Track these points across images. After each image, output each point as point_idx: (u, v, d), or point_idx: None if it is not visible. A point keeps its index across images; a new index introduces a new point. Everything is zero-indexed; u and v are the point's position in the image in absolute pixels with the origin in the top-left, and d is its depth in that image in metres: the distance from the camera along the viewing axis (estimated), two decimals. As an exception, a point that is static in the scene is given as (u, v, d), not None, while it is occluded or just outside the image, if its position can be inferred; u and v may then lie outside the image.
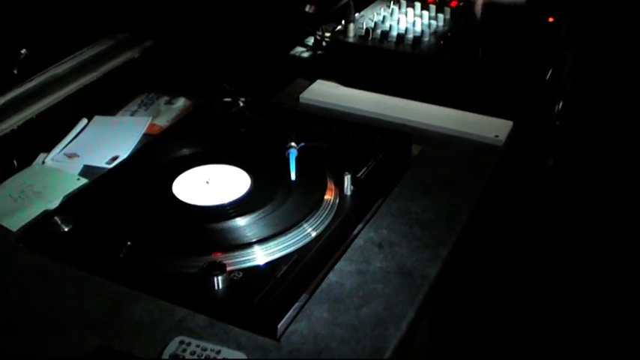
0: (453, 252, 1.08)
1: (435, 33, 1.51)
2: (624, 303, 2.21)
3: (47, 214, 1.12)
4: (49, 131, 1.31)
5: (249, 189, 1.12)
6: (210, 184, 1.14)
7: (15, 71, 1.36)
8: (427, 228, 1.10)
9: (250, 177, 1.15)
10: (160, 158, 1.22)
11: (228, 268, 0.96)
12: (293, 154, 1.13)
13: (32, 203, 1.15)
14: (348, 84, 1.50)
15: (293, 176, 1.13)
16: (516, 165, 1.77)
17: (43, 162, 1.27)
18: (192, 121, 1.37)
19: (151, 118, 1.39)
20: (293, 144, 1.15)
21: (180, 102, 1.44)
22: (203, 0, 1.51)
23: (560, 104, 2.31)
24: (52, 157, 1.27)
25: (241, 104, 1.30)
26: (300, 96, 1.47)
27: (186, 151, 1.24)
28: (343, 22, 1.49)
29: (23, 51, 1.37)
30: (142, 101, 1.46)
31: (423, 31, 1.51)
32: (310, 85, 1.51)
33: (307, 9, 1.28)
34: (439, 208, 1.15)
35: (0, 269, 1.03)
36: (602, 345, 2.05)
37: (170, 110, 1.42)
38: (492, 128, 1.35)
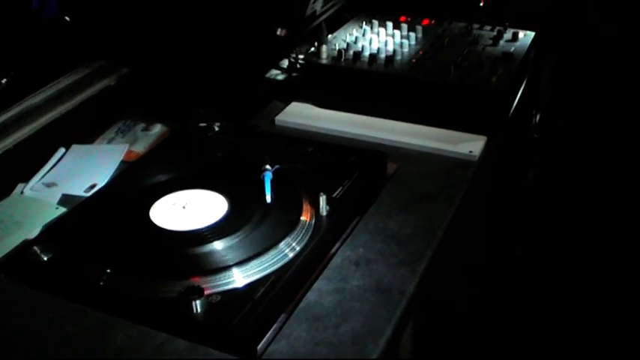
0: (430, 267, 1.09)
1: (407, 52, 1.54)
2: (608, 311, 2.23)
3: (26, 244, 1.12)
4: (27, 161, 1.32)
5: (225, 213, 1.14)
6: (187, 209, 1.15)
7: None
8: (404, 244, 1.12)
9: (227, 200, 1.16)
10: (138, 185, 1.23)
11: (207, 292, 0.97)
12: (268, 176, 1.15)
13: (12, 233, 1.16)
14: (323, 105, 1.51)
15: (269, 198, 1.14)
16: (497, 178, 1.80)
17: (22, 192, 1.27)
18: (169, 146, 1.38)
19: (128, 145, 1.40)
20: (268, 167, 1.16)
21: (157, 128, 1.46)
22: (178, 26, 1.53)
23: (538, 116, 2.35)
24: (31, 187, 1.28)
25: (217, 128, 1.32)
26: (276, 118, 1.48)
27: (163, 177, 1.25)
28: (316, 43, 1.52)
29: (4, 80, 1.38)
30: (119, 128, 1.47)
31: (395, 50, 1.53)
32: (285, 107, 1.52)
33: (279, 32, 1.30)
34: (415, 223, 1.16)
35: (-20, 300, 1.04)
36: (587, 352, 2.07)
37: (147, 137, 1.43)
38: (466, 144, 1.36)
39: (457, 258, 1.47)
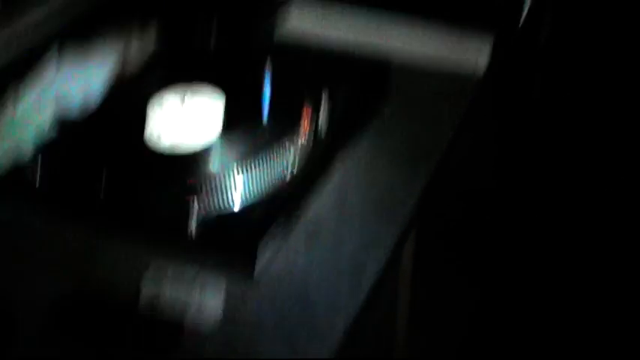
0: (432, 183, 1.07)
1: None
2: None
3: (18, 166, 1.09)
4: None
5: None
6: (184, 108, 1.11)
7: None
8: (407, 160, 1.09)
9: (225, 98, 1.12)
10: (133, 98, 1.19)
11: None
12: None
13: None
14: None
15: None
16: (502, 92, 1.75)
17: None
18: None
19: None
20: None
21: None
22: None
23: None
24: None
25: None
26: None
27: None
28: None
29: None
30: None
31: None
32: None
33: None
34: (420, 136, 1.14)
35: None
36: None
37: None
38: (472, 50, 1.31)
39: (462, 179, 1.45)
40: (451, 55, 1.31)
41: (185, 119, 1.11)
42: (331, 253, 0.93)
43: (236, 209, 0.95)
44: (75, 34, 1.35)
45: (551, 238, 2.22)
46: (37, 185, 1.04)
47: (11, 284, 0.92)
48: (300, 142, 1.06)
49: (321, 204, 1.01)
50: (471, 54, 1.30)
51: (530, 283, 2.09)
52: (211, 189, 0.97)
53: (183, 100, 1.13)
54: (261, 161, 1.01)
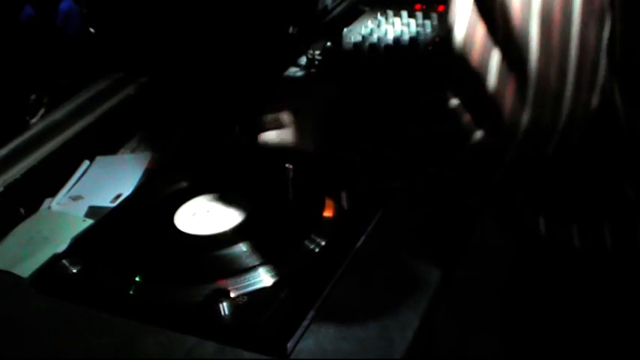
0: (456, 255, 1.09)
1: (423, 40, 1.53)
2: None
3: (56, 258, 1.14)
4: (52, 176, 1.33)
5: (248, 214, 1.14)
6: (210, 213, 1.16)
7: (28, 117, 1.39)
8: (428, 234, 1.11)
9: (249, 202, 1.17)
10: (161, 192, 1.24)
11: (234, 294, 0.98)
12: (289, 175, 1.15)
13: (41, 248, 1.18)
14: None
15: (290, 197, 1.15)
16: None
17: (49, 207, 1.29)
18: (190, 152, 1.39)
19: (151, 153, 1.41)
20: (289, 165, 1.16)
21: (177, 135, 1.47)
22: (193, 34, 1.53)
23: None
24: (58, 202, 1.30)
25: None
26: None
27: (185, 183, 1.26)
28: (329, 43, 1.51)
29: (33, 96, 1.40)
30: (142, 137, 1.48)
31: (411, 39, 1.52)
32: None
33: (291, 30, 1.30)
34: (439, 214, 1.16)
35: (14, 315, 1.06)
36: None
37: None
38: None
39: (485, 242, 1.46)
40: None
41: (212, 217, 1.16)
42: (359, 329, 0.95)
43: (264, 302, 0.98)
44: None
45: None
46: (75, 275, 1.08)
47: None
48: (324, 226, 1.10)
49: (349, 280, 1.04)
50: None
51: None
52: (240, 283, 1.01)
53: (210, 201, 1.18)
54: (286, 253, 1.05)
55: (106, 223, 1.21)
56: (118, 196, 1.29)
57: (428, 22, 1.59)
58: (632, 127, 0.87)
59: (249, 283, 1.01)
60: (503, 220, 1.05)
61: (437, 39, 1.53)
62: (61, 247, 1.18)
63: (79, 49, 1.52)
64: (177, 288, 1.02)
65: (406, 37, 1.55)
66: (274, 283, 1.01)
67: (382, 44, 1.52)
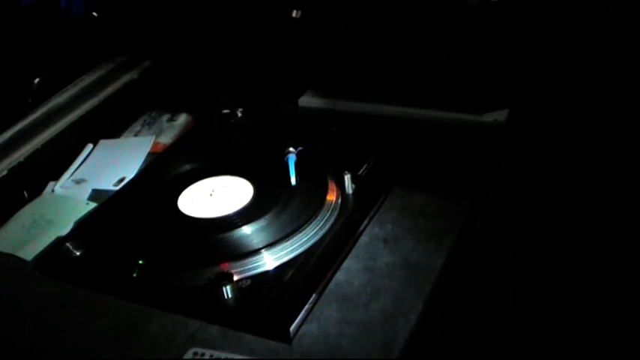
0: (459, 241, 1.09)
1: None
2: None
3: (59, 241, 1.14)
4: (56, 159, 1.34)
5: (252, 197, 1.14)
6: (214, 196, 1.16)
7: (30, 100, 1.39)
8: (432, 219, 1.11)
9: (253, 185, 1.16)
10: (165, 175, 1.24)
11: (237, 277, 0.98)
12: (292, 159, 1.15)
13: (45, 232, 1.18)
14: (346, 84, 1.51)
15: (293, 181, 1.15)
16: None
17: (53, 190, 1.29)
18: (195, 135, 1.39)
19: (154, 136, 1.41)
20: (291, 149, 1.16)
21: (182, 118, 1.46)
22: (195, 14, 1.53)
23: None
24: (61, 185, 1.30)
25: (240, 115, 1.32)
26: (299, 100, 1.48)
27: (189, 166, 1.26)
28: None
29: (36, 80, 1.40)
30: (145, 121, 1.48)
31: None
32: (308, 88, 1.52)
33: (294, 14, 1.29)
34: (442, 198, 1.16)
35: (18, 299, 1.06)
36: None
37: (172, 127, 1.44)
38: (490, 114, 1.35)
39: (491, 232, 1.46)
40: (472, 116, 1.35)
41: (216, 200, 1.16)
42: (362, 313, 0.96)
43: (267, 286, 0.98)
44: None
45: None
46: (79, 258, 1.09)
47: (56, 356, 0.95)
48: (326, 210, 1.10)
49: (352, 265, 1.04)
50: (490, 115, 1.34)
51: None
52: (243, 266, 1.01)
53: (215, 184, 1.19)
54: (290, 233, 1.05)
55: (109, 206, 1.21)
56: (122, 180, 1.29)
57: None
58: None
59: (252, 266, 1.01)
60: None
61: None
62: (65, 230, 1.18)
63: (83, 33, 1.51)
64: (180, 271, 1.02)
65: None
66: (277, 267, 1.01)
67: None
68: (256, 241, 1.04)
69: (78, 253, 1.09)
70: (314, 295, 0.98)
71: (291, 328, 0.93)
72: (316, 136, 1.28)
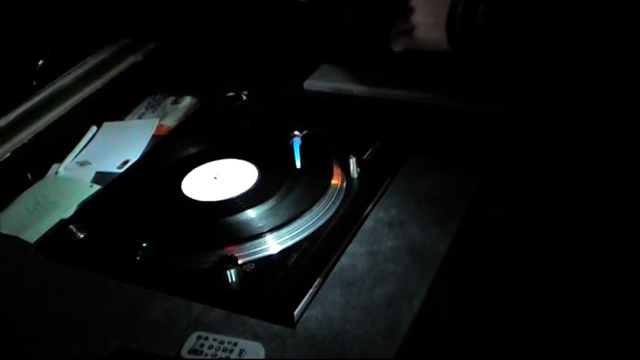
0: (463, 226, 1.08)
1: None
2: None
3: (63, 223, 1.14)
4: (59, 142, 1.33)
5: (256, 180, 1.14)
6: (218, 180, 1.15)
7: (34, 82, 1.38)
8: (436, 204, 1.11)
9: (257, 168, 1.16)
10: (169, 158, 1.24)
11: (241, 261, 0.98)
12: (297, 142, 1.15)
13: (48, 214, 1.18)
14: (351, 67, 1.50)
15: (299, 164, 1.14)
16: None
17: (57, 172, 1.29)
18: (199, 118, 1.39)
19: (158, 119, 1.41)
20: (296, 132, 1.16)
21: (186, 101, 1.46)
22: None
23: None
24: (65, 167, 1.30)
25: (244, 97, 1.32)
26: (305, 82, 1.47)
27: (193, 149, 1.25)
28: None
29: (40, 62, 1.39)
30: (149, 103, 1.48)
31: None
32: (314, 71, 1.51)
33: (303, -1, 1.29)
34: (446, 183, 1.15)
35: (21, 281, 1.06)
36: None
37: (177, 110, 1.43)
38: (494, 101, 1.34)
39: (496, 216, 1.45)
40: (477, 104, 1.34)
41: (220, 183, 1.15)
42: (367, 297, 0.95)
43: (271, 270, 0.97)
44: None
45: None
46: (82, 240, 1.08)
47: (59, 339, 0.95)
48: (331, 194, 1.09)
49: (356, 249, 1.03)
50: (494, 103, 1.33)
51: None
52: (247, 250, 1.00)
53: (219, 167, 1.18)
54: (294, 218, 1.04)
55: (113, 188, 1.20)
56: (126, 162, 1.29)
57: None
58: None
59: (256, 250, 1.00)
60: None
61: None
62: (68, 212, 1.17)
63: (87, 15, 1.50)
64: (184, 254, 1.02)
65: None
66: (282, 251, 1.00)
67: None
68: (261, 225, 1.04)
69: (81, 236, 1.09)
70: (318, 280, 0.98)
71: (295, 313, 0.93)
72: (322, 120, 1.28)
